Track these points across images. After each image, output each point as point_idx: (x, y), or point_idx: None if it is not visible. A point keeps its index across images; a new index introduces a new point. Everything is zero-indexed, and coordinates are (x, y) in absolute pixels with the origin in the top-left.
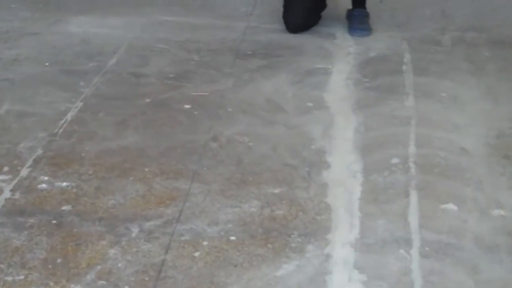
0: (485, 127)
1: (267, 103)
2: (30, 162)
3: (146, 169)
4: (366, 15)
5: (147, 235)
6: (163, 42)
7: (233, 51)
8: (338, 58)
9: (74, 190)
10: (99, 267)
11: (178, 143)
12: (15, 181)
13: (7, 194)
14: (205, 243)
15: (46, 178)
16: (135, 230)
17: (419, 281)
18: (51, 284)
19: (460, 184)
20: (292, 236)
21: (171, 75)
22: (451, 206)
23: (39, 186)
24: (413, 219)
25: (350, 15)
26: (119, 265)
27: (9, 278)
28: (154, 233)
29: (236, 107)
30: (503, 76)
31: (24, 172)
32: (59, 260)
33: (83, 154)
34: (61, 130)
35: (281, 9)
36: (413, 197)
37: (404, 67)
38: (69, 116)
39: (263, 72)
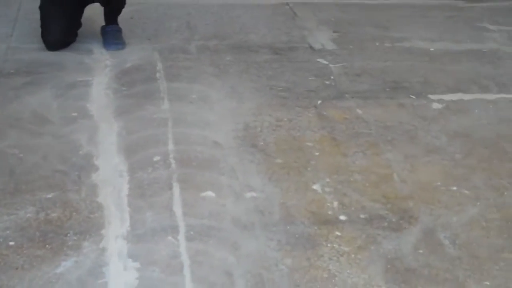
0: (233, 122)
1: (34, 117)
2: None
3: None
4: (119, 30)
5: None
6: None
7: None
8: (97, 70)
9: None
10: None
11: None
12: None
13: None
14: None
15: None
16: None
17: (187, 262)
18: None
19: (216, 173)
20: (68, 235)
21: None
22: (210, 194)
23: None
24: (178, 209)
25: (104, 31)
26: None
27: None
28: None
29: (4, 123)
30: (245, 77)
31: None
32: None
33: None
34: None
35: (39, 29)
36: (176, 189)
37: (157, 75)
38: None
39: (27, 89)
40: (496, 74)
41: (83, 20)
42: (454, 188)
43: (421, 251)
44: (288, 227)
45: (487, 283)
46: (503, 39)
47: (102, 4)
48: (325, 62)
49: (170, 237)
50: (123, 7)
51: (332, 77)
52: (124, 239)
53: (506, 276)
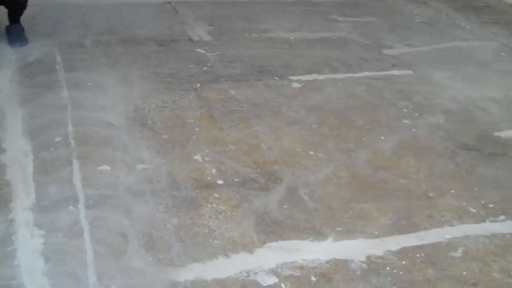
0: (125, 105)
1: None
2: None
3: None
4: (22, 29)
5: None
6: None
7: None
8: (3, 64)
9: None
10: None
11: None
12: None
13: None
14: None
15: None
16: None
17: (87, 227)
18: None
19: (111, 150)
20: None
21: None
22: (105, 167)
23: None
24: (77, 182)
25: (8, 30)
26: None
27: None
28: None
29: None
30: (134, 66)
31: None
32: None
33: None
34: None
35: None
36: (76, 165)
37: (57, 67)
38: None
39: None
40: (344, 58)
41: None
42: (311, 152)
43: (285, 206)
44: (174, 192)
45: (339, 228)
46: (349, 28)
47: (6, 7)
48: (203, 52)
49: (71, 207)
50: (24, 8)
51: (209, 64)
52: (30, 210)
53: (354, 223)
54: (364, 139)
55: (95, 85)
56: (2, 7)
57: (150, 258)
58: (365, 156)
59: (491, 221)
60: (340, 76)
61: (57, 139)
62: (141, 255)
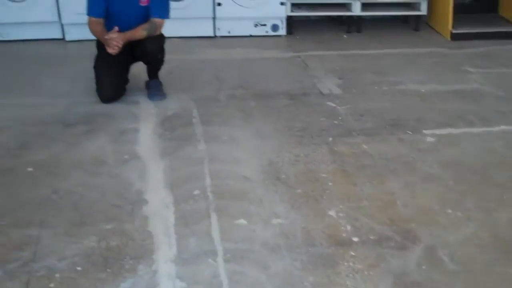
0: (259, 158)
1: (93, 159)
2: None
3: (2, 222)
4: (160, 84)
5: (10, 275)
6: (2, 120)
7: (60, 122)
8: (144, 118)
9: None
10: None
11: (27, 198)
12: None
13: None
14: (57, 275)
15: None
16: None
17: (226, 281)
18: None
19: (247, 203)
20: (125, 260)
21: (13, 146)
22: (242, 221)
23: None
24: (216, 235)
25: (148, 85)
26: None
27: None
28: (15, 273)
29: (68, 166)
30: (267, 119)
31: None
32: None
33: None
34: None
35: (95, 86)
36: (214, 218)
37: (194, 120)
38: None
39: (86, 136)
40: (479, 110)
41: (129, 76)
42: (449, 211)
43: (424, 267)
44: (310, 248)
45: None
46: (482, 80)
47: (145, 63)
48: (333, 105)
49: (210, 260)
50: (162, 64)
51: (340, 117)
52: (172, 262)
53: None
54: (505, 197)
55: (230, 138)
56: (141, 63)
57: None
58: (507, 216)
59: None
60: (476, 130)
61: (196, 192)
62: None
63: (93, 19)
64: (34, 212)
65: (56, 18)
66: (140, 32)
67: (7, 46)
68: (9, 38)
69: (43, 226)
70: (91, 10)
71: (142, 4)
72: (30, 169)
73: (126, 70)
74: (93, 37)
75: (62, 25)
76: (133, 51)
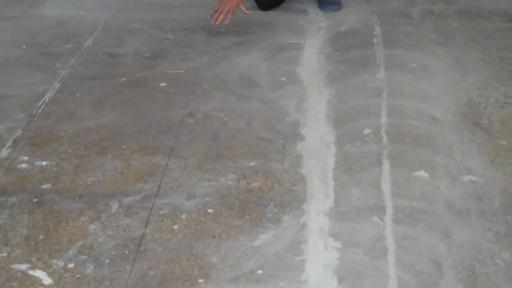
0: (455, 96)
1: (241, 79)
2: (10, 143)
3: (124, 147)
4: None
5: (127, 210)
6: (138, 22)
7: (206, 29)
8: (310, 33)
9: (54, 169)
10: (80, 242)
11: (155, 120)
12: None
13: None
14: (183, 216)
15: (26, 158)
16: (114, 206)
17: (392, 247)
18: (34, 260)
19: (431, 151)
20: (269, 207)
21: (147, 54)
22: (422, 173)
23: (19, 166)
24: (386, 187)
25: None
26: (100, 240)
27: None
28: (134, 208)
29: (211, 84)
30: (471, 46)
31: (4, 153)
32: (41, 237)
33: (61, 134)
34: (39, 111)
35: None
36: (386, 165)
37: (374, 40)
38: (47, 97)
39: (236, 49)
40: None
41: None
42: None
43: None
44: (509, 217)
45: None
46: None
47: None
48: None
49: (375, 218)
50: None
51: None
52: (327, 216)
53: None
54: None
55: (420, 67)
56: None
57: None
58: None
59: None
60: None
61: (366, 131)
62: None
63: None
64: (163, 137)
65: None
66: None
67: None
68: None
69: (173, 156)
70: None
71: None
72: (163, 84)
73: None
74: None
75: None
76: None
